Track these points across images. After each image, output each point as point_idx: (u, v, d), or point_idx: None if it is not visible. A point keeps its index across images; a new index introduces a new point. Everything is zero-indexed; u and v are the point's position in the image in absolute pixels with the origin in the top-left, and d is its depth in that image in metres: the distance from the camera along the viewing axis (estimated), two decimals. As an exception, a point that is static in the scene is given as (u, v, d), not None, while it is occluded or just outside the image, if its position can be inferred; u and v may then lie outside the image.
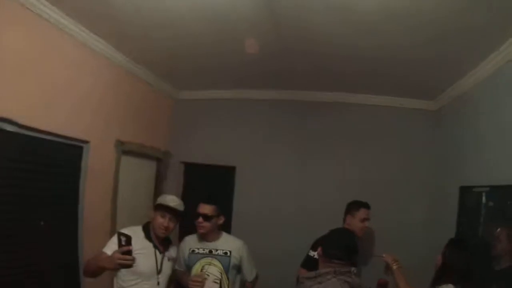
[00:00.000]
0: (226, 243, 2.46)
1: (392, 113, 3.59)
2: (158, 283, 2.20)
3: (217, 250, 2.41)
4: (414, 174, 3.52)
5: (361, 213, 2.80)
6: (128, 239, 2.01)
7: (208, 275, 2.36)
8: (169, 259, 2.34)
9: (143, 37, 2.76)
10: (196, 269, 2.39)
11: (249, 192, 3.78)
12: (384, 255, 2.46)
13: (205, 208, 2.37)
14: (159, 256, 2.24)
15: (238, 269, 2.49)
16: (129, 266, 1.99)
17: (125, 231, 2.13)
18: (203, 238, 2.45)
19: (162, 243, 2.30)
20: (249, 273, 2.52)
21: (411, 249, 3.10)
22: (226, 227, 2.97)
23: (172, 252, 2.40)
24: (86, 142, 2.91)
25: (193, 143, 4.08)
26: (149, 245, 2.22)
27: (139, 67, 3.44)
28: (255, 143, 3.88)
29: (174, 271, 2.45)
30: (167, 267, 2.30)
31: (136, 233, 2.19)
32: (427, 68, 2.82)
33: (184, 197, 3.47)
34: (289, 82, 3.50)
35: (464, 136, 2.91)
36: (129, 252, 1.98)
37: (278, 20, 2.28)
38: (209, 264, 2.40)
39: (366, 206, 2.84)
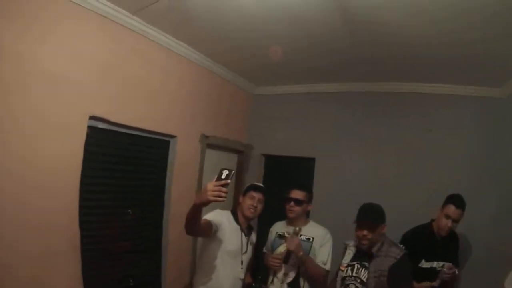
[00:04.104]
0: (311, 229, 2.46)
1: (460, 101, 3.36)
2: (242, 262, 2.30)
3: (301, 235, 2.40)
4: (484, 164, 3.22)
5: (447, 209, 2.50)
6: (229, 174, 1.73)
7: None
8: (251, 243, 2.45)
9: (222, 39, 2.91)
10: (279, 250, 2.44)
11: (328, 182, 3.76)
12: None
13: (297, 193, 2.46)
14: (244, 238, 2.35)
15: None
16: (220, 199, 1.70)
17: (216, 213, 2.28)
18: (291, 223, 2.49)
19: (246, 228, 2.43)
20: (322, 258, 2.36)
21: (481, 242, 2.90)
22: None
23: (253, 237, 2.51)
24: (173, 136, 3.14)
25: (273, 136, 4.15)
26: (237, 227, 2.35)
27: (218, 66, 3.59)
28: (332, 134, 3.85)
29: (262, 253, 2.60)
30: (249, 249, 2.40)
31: (226, 215, 2.37)
32: (493, 51, 2.54)
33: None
34: (360, 74, 3.48)
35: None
36: (226, 186, 1.71)
37: (348, 15, 2.28)
38: None
39: (455, 203, 2.49)
